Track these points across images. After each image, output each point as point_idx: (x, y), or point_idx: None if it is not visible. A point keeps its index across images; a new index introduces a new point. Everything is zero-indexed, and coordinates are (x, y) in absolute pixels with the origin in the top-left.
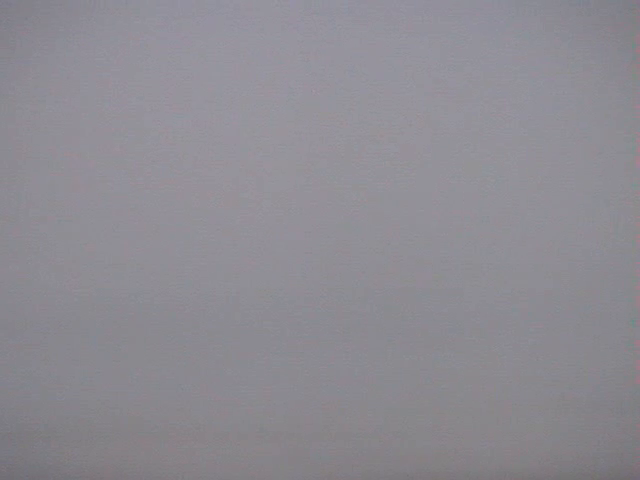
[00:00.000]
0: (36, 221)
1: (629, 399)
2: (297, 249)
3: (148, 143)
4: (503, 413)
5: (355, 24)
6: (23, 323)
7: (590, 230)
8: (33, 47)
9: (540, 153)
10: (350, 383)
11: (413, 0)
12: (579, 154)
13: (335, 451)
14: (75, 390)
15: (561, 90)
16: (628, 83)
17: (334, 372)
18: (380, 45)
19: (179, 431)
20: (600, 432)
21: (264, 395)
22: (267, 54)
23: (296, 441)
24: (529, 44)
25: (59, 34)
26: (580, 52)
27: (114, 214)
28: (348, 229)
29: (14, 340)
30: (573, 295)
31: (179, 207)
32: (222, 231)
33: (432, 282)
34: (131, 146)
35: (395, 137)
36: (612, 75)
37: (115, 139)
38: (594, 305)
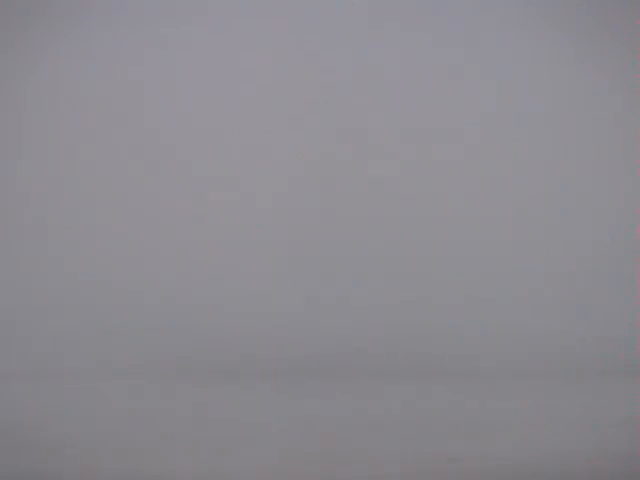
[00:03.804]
0: (34, 222)
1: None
2: (292, 260)
3: (147, 145)
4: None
5: (355, 23)
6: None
7: (591, 233)
8: (31, 46)
9: (540, 155)
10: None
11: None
12: (580, 155)
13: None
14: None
15: (562, 92)
16: (629, 83)
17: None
18: (381, 44)
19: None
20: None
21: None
22: (266, 53)
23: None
24: (530, 44)
25: (58, 33)
26: (581, 52)
27: (106, 217)
28: (349, 237)
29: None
30: (575, 297)
31: (176, 212)
32: (220, 240)
33: (434, 294)
34: (128, 146)
35: (396, 138)
36: (613, 75)
37: (113, 143)
38: (596, 307)
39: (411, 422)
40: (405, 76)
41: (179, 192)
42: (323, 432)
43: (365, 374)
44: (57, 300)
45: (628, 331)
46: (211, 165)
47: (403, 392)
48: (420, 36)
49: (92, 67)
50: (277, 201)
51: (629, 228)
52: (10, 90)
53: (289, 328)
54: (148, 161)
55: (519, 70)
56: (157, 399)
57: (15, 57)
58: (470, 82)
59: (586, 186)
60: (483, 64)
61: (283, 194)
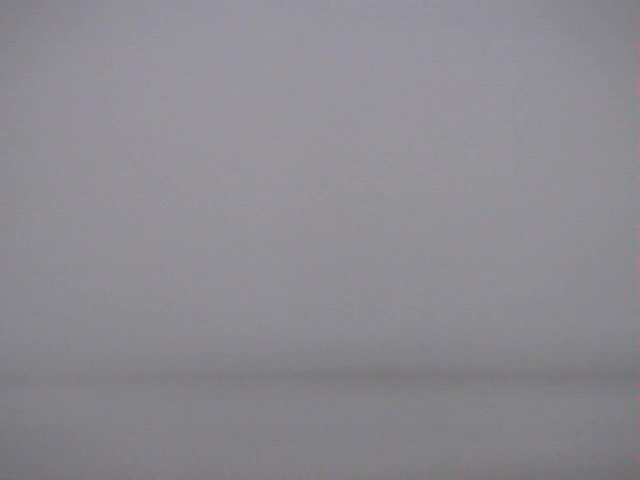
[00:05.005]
0: (31, 223)
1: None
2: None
3: (146, 147)
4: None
5: (355, 22)
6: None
7: (591, 233)
8: (31, 45)
9: (540, 156)
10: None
11: None
12: (578, 153)
13: None
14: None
15: (561, 90)
16: (629, 82)
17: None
18: (381, 43)
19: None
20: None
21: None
22: (269, 52)
23: None
24: (529, 43)
25: (57, 33)
26: (581, 52)
27: (105, 218)
28: (351, 236)
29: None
30: (573, 296)
31: (178, 216)
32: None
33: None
34: (128, 146)
35: (396, 137)
36: (613, 74)
37: (112, 143)
38: (595, 306)
39: (411, 422)
40: (405, 76)
41: (179, 193)
42: (324, 433)
43: (367, 375)
44: (55, 302)
45: (628, 331)
46: (212, 165)
47: (403, 393)
48: (420, 36)
49: (90, 67)
50: (279, 203)
51: (629, 228)
52: (8, 90)
53: (290, 330)
54: (148, 161)
55: (519, 70)
56: (158, 402)
57: (12, 57)
58: (470, 82)
59: (586, 186)
60: (484, 62)
61: (285, 195)
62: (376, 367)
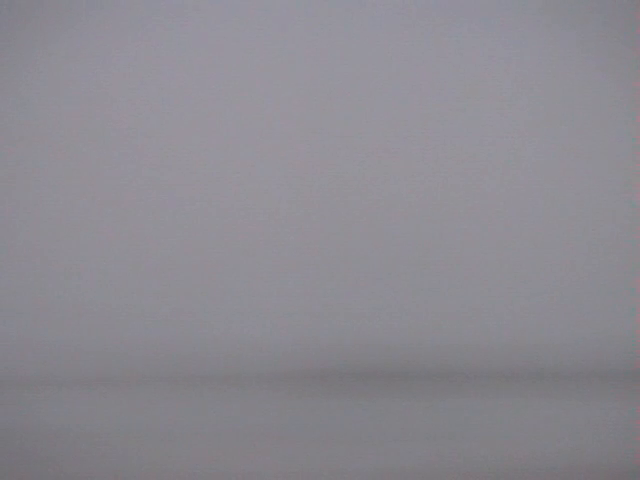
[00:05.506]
0: (34, 226)
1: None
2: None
3: (146, 147)
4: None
5: (356, 23)
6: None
7: (591, 232)
8: (32, 45)
9: (539, 155)
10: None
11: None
12: (579, 153)
13: None
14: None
15: (561, 90)
16: (628, 82)
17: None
18: (380, 44)
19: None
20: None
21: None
22: (268, 54)
23: None
24: (528, 42)
25: (58, 33)
26: (580, 50)
27: (104, 220)
28: (350, 235)
29: None
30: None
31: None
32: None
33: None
34: (128, 147)
35: (396, 137)
36: (612, 74)
37: (113, 143)
38: (594, 307)
39: (410, 422)
40: (405, 76)
41: (180, 194)
42: (323, 433)
43: (366, 376)
44: (56, 303)
45: (628, 331)
46: (214, 165)
47: (403, 395)
48: (421, 36)
49: (91, 66)
50: (278, 204)
51: (629, 228)
52: (8, 90)
53: (290, 330)
54: (149, 162)
55: (519, 71)
56: (158, 403)
57: (12, 57)
58: (471, 83)
59: (586, 187)
60: (485, 61)
61: (283, 197)
62: (375, 367)
